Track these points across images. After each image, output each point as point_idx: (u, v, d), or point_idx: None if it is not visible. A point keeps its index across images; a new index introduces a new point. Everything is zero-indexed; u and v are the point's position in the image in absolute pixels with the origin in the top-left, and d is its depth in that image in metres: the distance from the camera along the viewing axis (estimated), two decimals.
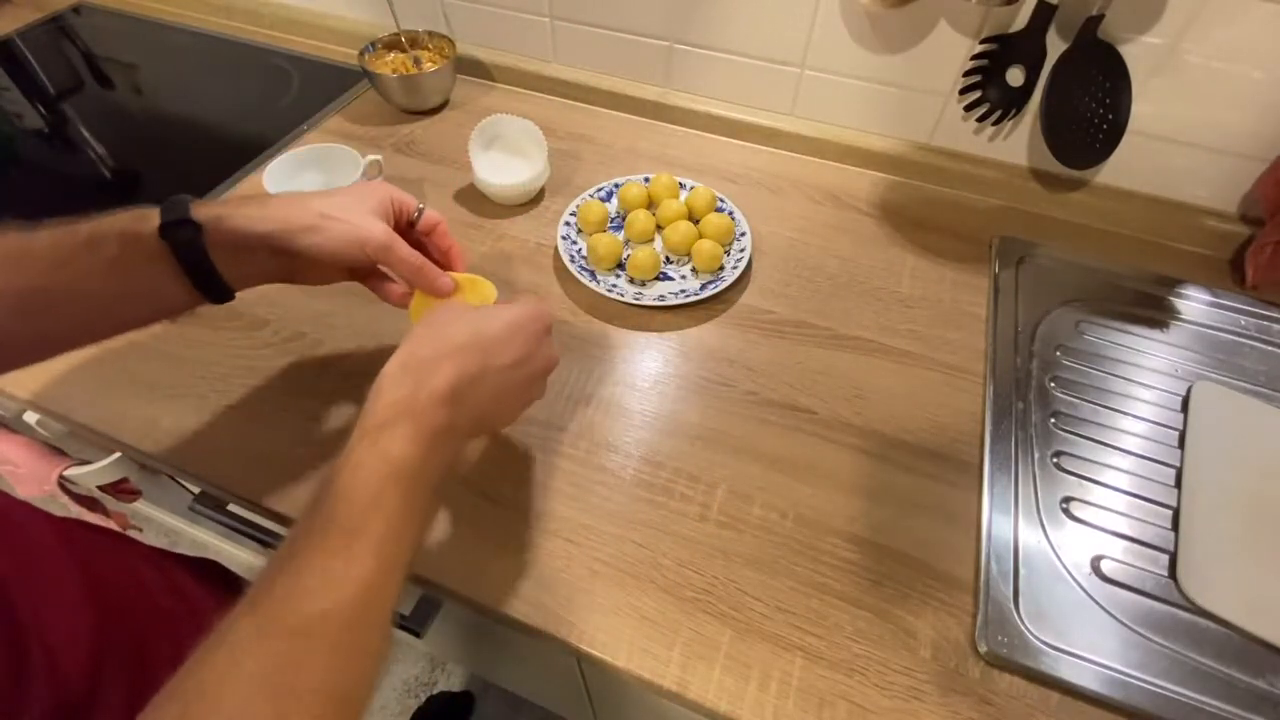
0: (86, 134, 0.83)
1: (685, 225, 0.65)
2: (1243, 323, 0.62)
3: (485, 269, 0.51)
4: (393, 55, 0.84)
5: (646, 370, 0.57)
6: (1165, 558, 0.47)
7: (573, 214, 0.68)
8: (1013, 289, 0.64)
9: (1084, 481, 0.51)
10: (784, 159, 0.79)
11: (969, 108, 0.68)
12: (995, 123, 0.68)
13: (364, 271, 0.49)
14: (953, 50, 0.66)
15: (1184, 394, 0.56)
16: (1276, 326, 0.61)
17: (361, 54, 0.81)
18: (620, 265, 0.64)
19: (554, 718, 1.11)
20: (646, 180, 0.71)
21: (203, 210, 0.40)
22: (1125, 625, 0.43)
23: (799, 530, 0.48)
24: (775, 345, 0.59)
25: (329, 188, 0.48)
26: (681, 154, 0.79)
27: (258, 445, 0.51)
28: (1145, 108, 0.62)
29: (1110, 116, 0.62)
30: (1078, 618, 0.44)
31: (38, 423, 0.63)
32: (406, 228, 0.48)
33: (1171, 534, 0.48)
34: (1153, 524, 0.48)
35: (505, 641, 0.73)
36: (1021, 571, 0.45)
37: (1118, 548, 0.47)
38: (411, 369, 0.36)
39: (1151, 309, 0.63)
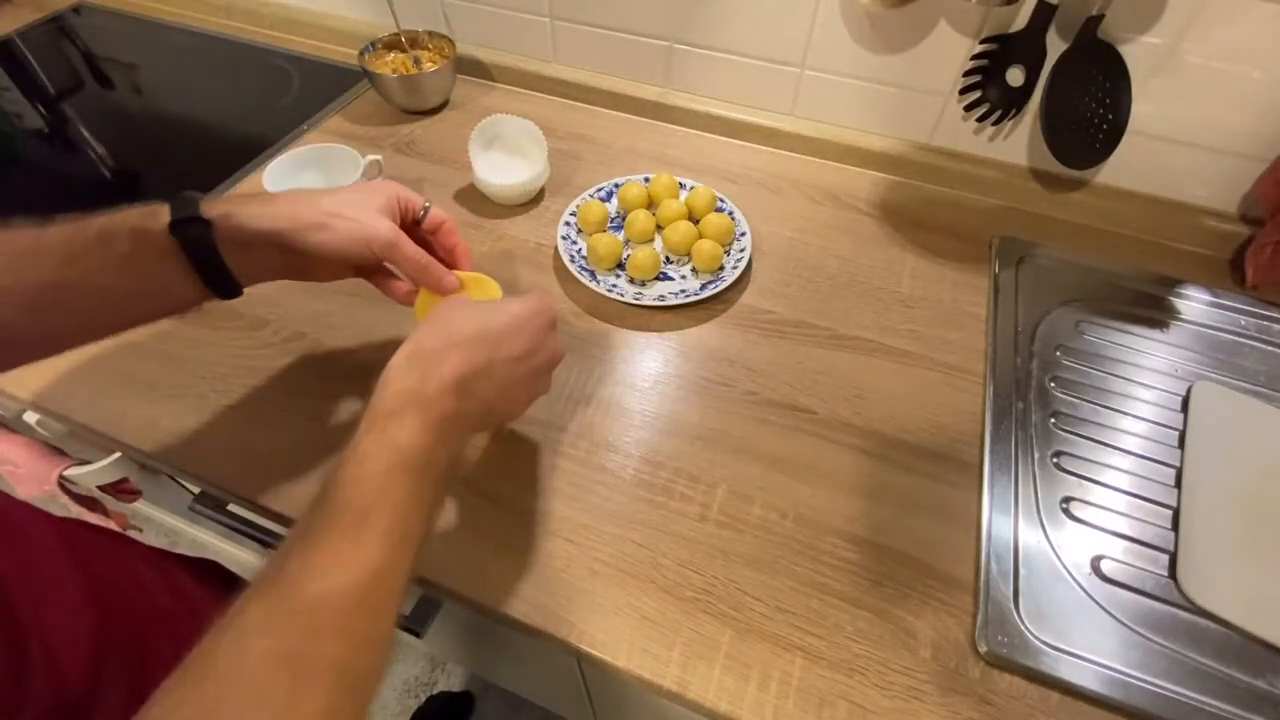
0: (86, 134, 0.83)
1: (685, 225, 0.65)
2: (1243, 323, 0.62)
3: (485, 269, 0.51)
4: (393, 55, 0.84)
5: (646, 370, 0.57)
6: (1165, 558, 0.47)
7: (573, 214, 0.68)
8: (1013, 289, 0.64)
9: (1084, 481, 0.51)
10: (784, 159, 0.79)
11: (969, 108, 0.68)
12: (995, 123, 0.68)
13: (370, 269, 0.49)
14: (953, 50, 0.66)
15: (1184, 394, 0.56)
16: (1276, 326, 0.61)
17: (361, 54, 0.81)
18: (620, 265, 0.64)
19: (554, 718, 1.11)
20: (646, 180, 0.71)
21: (212, 207, 0.41)
22: (1125, 625, 0.43)
23: (799, 530, 0.48)
24: (775, 345, 0.59)
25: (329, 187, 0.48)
26: (681, 154, 0.79)
27: (258, 445, 0.51)
28: (1145, 108, 0.62)
29: (1110, 116, 0.62)
30: (1078, 618, 0.44)
31: (38, 423, 0.63)
32: (412, 225, 0.48)
33: (1171, 534, 0.48)
34: (1153, 524, 0.48)
35: (505, 641, 0.73)
36: (1021, 571, 0.45)
37: (1118, 548, 0.47)
38: (419, 360, 0.37)
39: (1151, 309, 0.63)
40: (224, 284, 0.42)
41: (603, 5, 0.76)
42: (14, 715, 0.34)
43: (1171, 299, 0.64)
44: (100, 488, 0.71)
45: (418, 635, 0.54)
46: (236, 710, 0.25)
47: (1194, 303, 0.63)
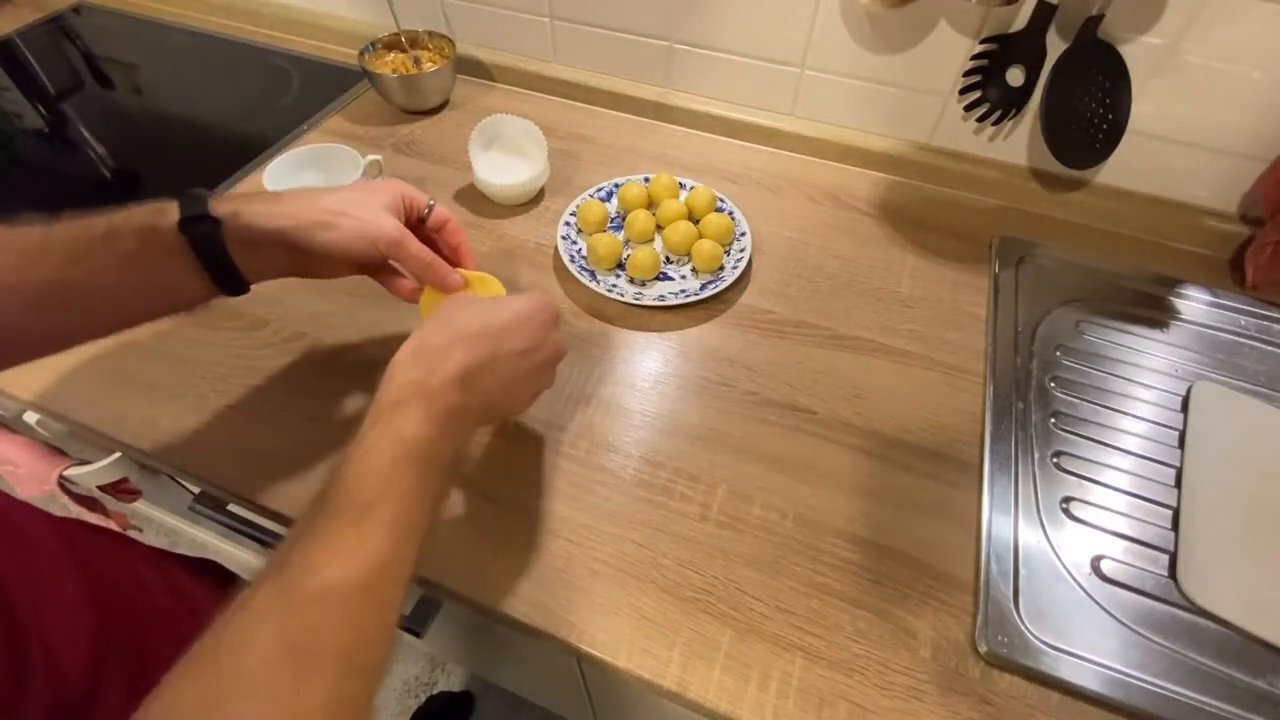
0: (86, 134, 0.83)
1: (685, 225, 0.65)
2: (1243, 323, 0.62)
3: (486, 269, 0.51)
4: (393, 55, 0.84)
5: (646, 370, 0.57)
6: (1165, 558, 0.47)
7: (573, 214, 0.68)
8: (1013, 289, 0.64)
9: (1084, 481, 0.51)
10: (784, 159, 0.79)
11: (969, 108, 0.68)
12: (995, 123, 0.68)
13: (375, 266, 0.49)
14: (953, 50, 0.66)
15: (1184, 394, 0.56)
16: (1276, 326, 0.61)
17: (361, 54, 0.81)
18: (620, 265, 0.64)
19: (554, 718, 1.11)
20: (646, 180, 0.71)
21: (220, 205, 0.41)
22: (1125, 625, 0.43)
23: (799, 530, 0.48)
24: (775, 345, 0.59)
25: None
26: (681, 154, 0.79)
27: (257, 445, 0.51)
28: (1145, 108, 0.62)
29: (1110, 116, 0.62)
30: (1078, 618, 0.44)
31: (38, 423, 0.63)
32: (417, 224, 0.49)
33: (1171, 534, 0.48)
34: (1153, 524, 0.48)
35: (505, 641, 0.73)
36: (1021, 571, 0.45)
37: (1118, 548, 0.47)
38: (423, 354, 0.37)
39: (1151, 309, 0.63)
40: (231, 281, 0.43)
41: (603, 5, 0.76)
42: (14, 715, 0.34)
43: (1171, 299, 0.64)
44: (100, 488, 0.71)
45: (418, 635, 0.54)
46: (242, 696, 0.26)
47: (1194, 303, 0.63)
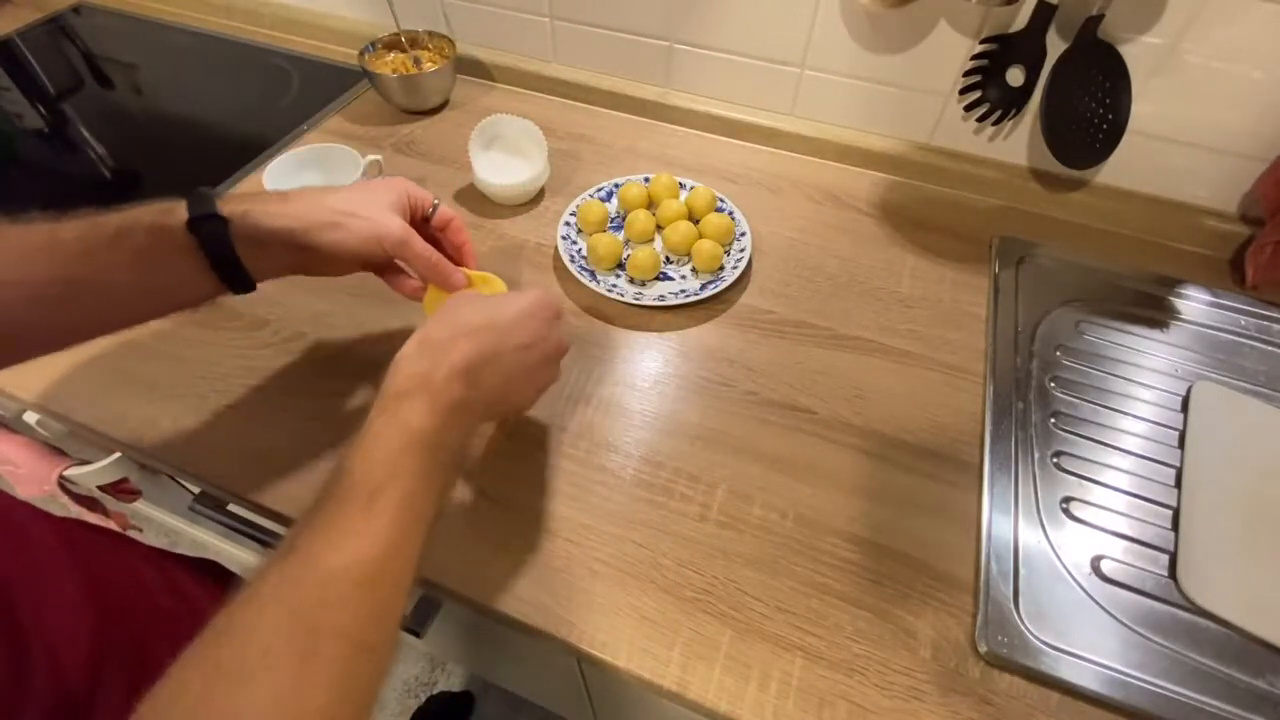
0: (86, 134, 0.83)
1: (685, 225, 0.65)
2: (1243, 323, 0.62)
3: (486, 269, 0.51)
4: (393, 55, 0.84)
5: (646, 370, 0.57)
6: (1165, 558, 0.47)
7: (573, 214, 0.68)
8: (1013, 289, 0.64)
9: (1084, 481, 0.51)
10: (784, 159, 0.79)
11: (969, 108, 0.68)
12: (995, 123, 0.68)
13: (380, 265, 0.50)
14: (953, 50, 0.66)
15: (1184, 394, 0.56)
16: (1276, 326, 0.61)
17: (361, 54, 0.81)
18: (620, 265, 0.64)
19: (554, 718, 1.11)
20: (646, 180, 0.71)
21: (228, 205, 0.42)
22: (1125, 625, 0.43)
23: (799, 530, 0.48)
24: (775, 345, 0.59)
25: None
26: (681, 154, 0.79)
27: (257, 445, 0.51)
28: (1145, 108, 0.62)
29: (1110, 116, 0.62)
30: (1078, 618, 0.44)
31: (38, 423, 0.63)
32: (421, 223, 0.50)
33: (1171, 534, 0.48)
34: (1153, 524, 0.48)
35: (505, 641, 0.73)
36: (1021, 571, 0.45)
37: (1118, 548, 0.47)
38: (428, 348, 0.38)
39: (1151, 309, 0.63)
40: (239, 280, 0.43)
41: (603, 5, 0.76)
42: (14, 715, 0.34)
43: (1171, 299, 0.64)
44: (100, 488, 0.71)
45: (418, 635, 0.54)
46: (249, 674, 0.26)
47: (1194, 303, 0.63)
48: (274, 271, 0.45)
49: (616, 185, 0.71)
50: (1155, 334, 0.60)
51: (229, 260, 0.42)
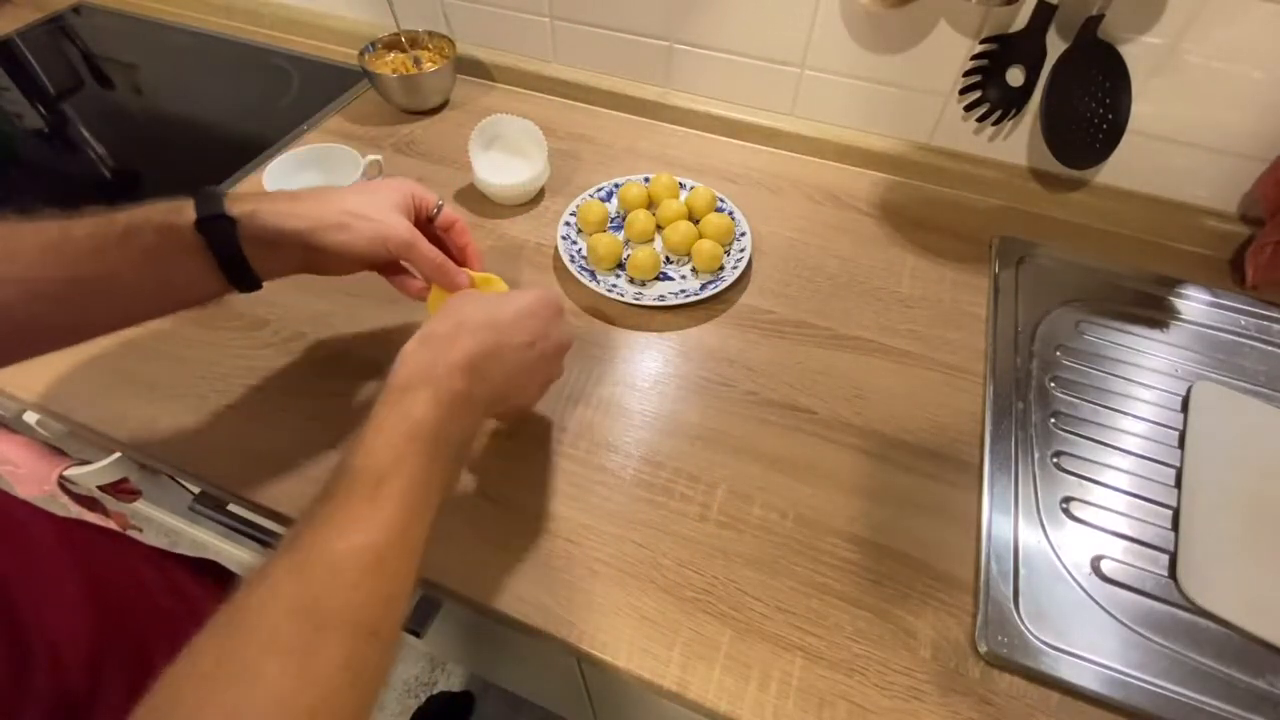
0: (86, 134, 0.83)
1: (685, 225, 0.65)
2: (1243, 323, 0.62)
3: (487, 269, 0.51)
4: (393, 55, 0.84)
5: (646, 370, 0.57)
6: (1165, 558, 0.47)
7: (573, 214, 0.68)
8: (1013, 289, 0.64)
9: (1084, 481, 0.51)
10: (784, 159, 0.79)
11: (969, 108, 0.68)
12: (995, 123, 0.68)
13: (384, 265, 0.50)
14: (953, 50, 0.66)
15: (1184, 394, 0.56)
16: (1276, 326, 0.61)
17: (361, 54, 0.81)
18: (620, 265, 0.64)
19: (554, 718, 1.11)
20: (646, 180, 0.71)
21: (236, 205, 0.42)
22: (1125, 625, 0.43)
23: (799, 530, 0.48)
24: (775, 345, 0.59)
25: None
26: (681, 154, 0.79)
27: (257, 445, 0.51)
28: (1145, 108, 0.62)
29: (1110, 116, 0.62)
30: (1078, 618, 0.44)
31: (38, 423, 0.63)
32: (425, 223, 0.50)
33: (1171, 534, 0.48)
34: (1153, 524, 0.48)
35: (505, 641, 0.73)
36: (1021, 571, 0.45)
37: (1118, 548, 0.47)
38: (431, 343, 0.38)
39: (1151, 309, 0.63)
40: (245, 279, 0.43)
41: (603, 5, 0.76)
42: (14, 714, 0.34)
43: (1171, 299, 0.64)
44: (100, 488, 0.71)
45: (418, 635, 0.54)
46: (258, 656, 0.26)
47: (1194, 303, 0.63)
48: (280, 271, 0.45)
49: (616, 185, 0.71)
50: (1155, 334, 0.60)
51: (236, 260, 0.42)
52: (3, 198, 0.74)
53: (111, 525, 0.79)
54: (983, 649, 0.42)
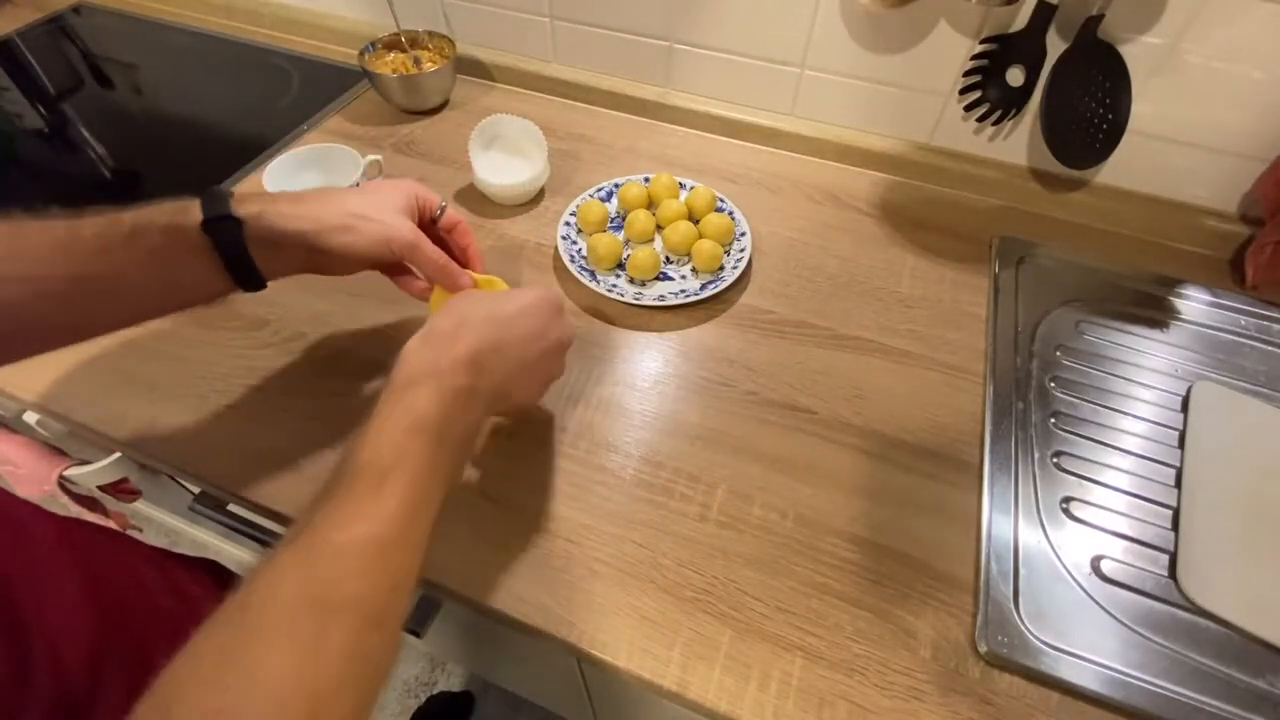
0: (86, 134, 0.83)
1: (685, 225, 0.65)
2: (1243, 323, 0.62)
3: (487, 269, 0.51)
4: (393, 55, 0.84)
5: (646, 370, 0.57)
6: (1165, 558, 0.47)
7: (573, 214, 0.68)
8: (1013, 289, 0.64)
9: (1084, 481, 0.51)
10: (784, 159, 0.79)
11: (969, 108, 0.68)
12: (995, 123, 0.68)
13: (387, 265, 0.50)
14: (953, 50, 0.66)
15: (1184, 394, 0.56)
16: (1276, 326, 0.61)
17: (361, 54, 0.81)
18: (620, 265, 0.64)
19: (554, 718, 1.11)
20: (646, 180, 0.71)
21: (241, 205, 0.42)
22: (1125, 625, 0.43)
23: (799, 530, 0.48)
24: (775, 345, 0.59)
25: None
26: (681, 154, 0.79)
27: (257, 445, 0.51)
28: (1145, 108, 0.62)
29: (1110, 116, 0.62)
30: (1078, 618, 0.44)
31: (38, 423, 0.63)
32: (428, 224, 0.50)
33: (1171, 534, 0.48)
34: (1153, 524, 0.48)
35: (505, 641, 0.73)
36: (1021, 571, 0.45)
37: (1118, 548, 0.47)
38: (433, 340, 0.39)
39: (1151, 309, 0.63)
40: (251, 279, 0.44)
41: (603, 5, 0.76)
42: (14, 714, 0.34)
43: (1171, 299, 0.64)
44: (100, 488, 0.71)
45: (418, 635, 0.54)
46: (262, 644, 0.27)
47: (1194, 303, 0.63)
48: (285, 271, 0.46)
49: (616, 185, 0.71)
50: (1155, 334, 0.60)
51: (242, 261, 0.42)
52: (3, 198, 0.74)
53: (111, 525, 0.79)
54: (983, 649, 0.42)
